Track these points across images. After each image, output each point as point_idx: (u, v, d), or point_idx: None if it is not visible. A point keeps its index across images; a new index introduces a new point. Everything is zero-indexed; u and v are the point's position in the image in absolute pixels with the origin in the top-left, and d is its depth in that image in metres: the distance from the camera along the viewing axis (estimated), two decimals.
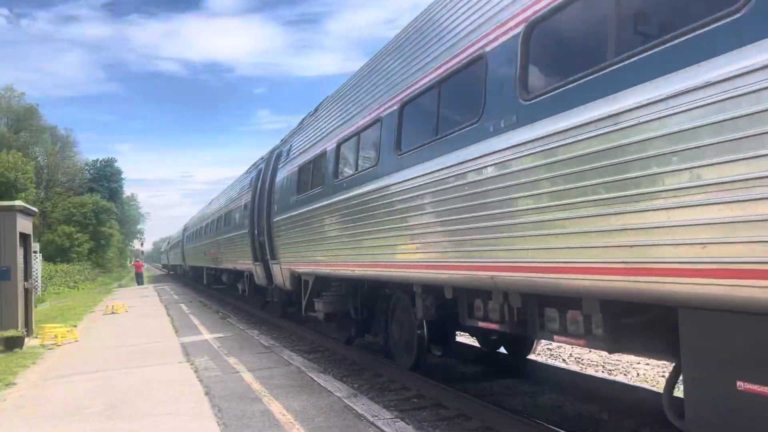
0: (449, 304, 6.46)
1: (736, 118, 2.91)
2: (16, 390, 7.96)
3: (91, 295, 32.43)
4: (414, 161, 6.23)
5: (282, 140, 14.51)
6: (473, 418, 6.26)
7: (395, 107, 6.83)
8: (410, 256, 6.44)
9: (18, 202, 13.24)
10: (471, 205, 5.14)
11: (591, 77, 3.87)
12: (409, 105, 6.62)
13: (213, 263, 23.56)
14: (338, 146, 8.81)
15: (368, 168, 7.53)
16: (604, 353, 8.73)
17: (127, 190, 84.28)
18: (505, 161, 4.65)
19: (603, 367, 8.76)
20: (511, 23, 4.72)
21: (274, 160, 13.62)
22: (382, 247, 7.07)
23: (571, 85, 4.04)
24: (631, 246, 3.54)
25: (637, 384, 7.56)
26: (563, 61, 4.48)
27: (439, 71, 5.88)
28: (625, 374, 8.30)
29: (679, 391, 4.06)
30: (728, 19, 2.99)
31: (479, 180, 5.02)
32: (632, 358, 8.72)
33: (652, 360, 8.19)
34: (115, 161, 68.61)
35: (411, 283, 6.93)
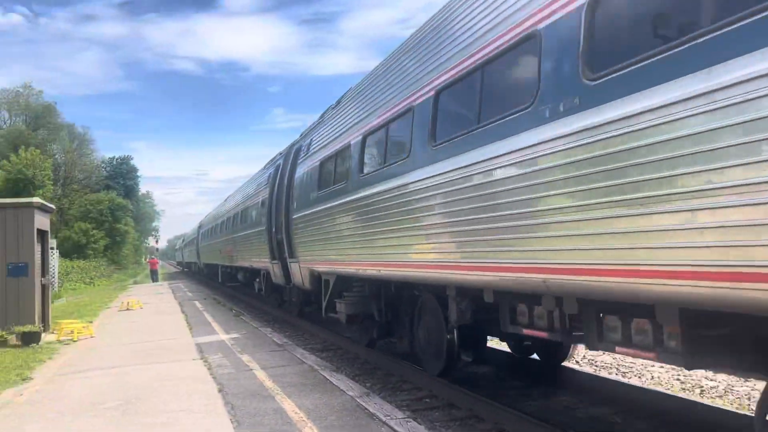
0: (487, 308, 6.07)
1: None
2: (33, 385, 8.06)
3: (106, 291, 32.75)
4: (451, 153, 5.75)
5: (301, 134, 14.06)
6: (486, 419, 6.23)
7: (430, 94, 6.36)
8: (444, 255, 6.01)
9: (36, 199, 13.43)
10: (520, 200, 4.62)
11: (678, 49, 3.35)
12: (445, 92, 6.14)
13: (228, 261, 23.50)
14: (364, 139, 8.35)
15: (398, 161, 7.08)
16: (618, 355, 8.67)
17: (143, 188, 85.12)
18: (566, 149, 4.11)
19: (617, 369, 8.69)
20: None
21: (293, 155, 13.19)
22: (412, 245, 6.67)
23: (650, 60, 3.51)
24: (733, 246, 3.03)
25: (651, 387, 7.51)
26: (641, 33, 3.87)
27: (483, 53, 5.33)
28: (639, 377, 8.24)
29: None
30: None
31: (531, 171, 4.49)
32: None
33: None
34: (131, 159, 69.59)
35: (444, 285, 6.52)
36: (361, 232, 8.27)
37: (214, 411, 6.29)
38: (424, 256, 6.46)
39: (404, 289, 8.34)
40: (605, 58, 3.94)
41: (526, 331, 5.40)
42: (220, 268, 28.03)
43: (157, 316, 16.99)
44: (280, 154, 15.55)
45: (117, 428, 5.86)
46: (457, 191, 5.61)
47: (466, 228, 5.47)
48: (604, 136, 3.77)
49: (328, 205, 9.57)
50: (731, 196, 2.97)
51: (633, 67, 3.64)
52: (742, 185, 2.93)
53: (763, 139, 2.82)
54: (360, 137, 8.47)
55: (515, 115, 4.77)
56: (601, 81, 3.88)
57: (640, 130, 3.50)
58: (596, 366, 8.96)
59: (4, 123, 53.12)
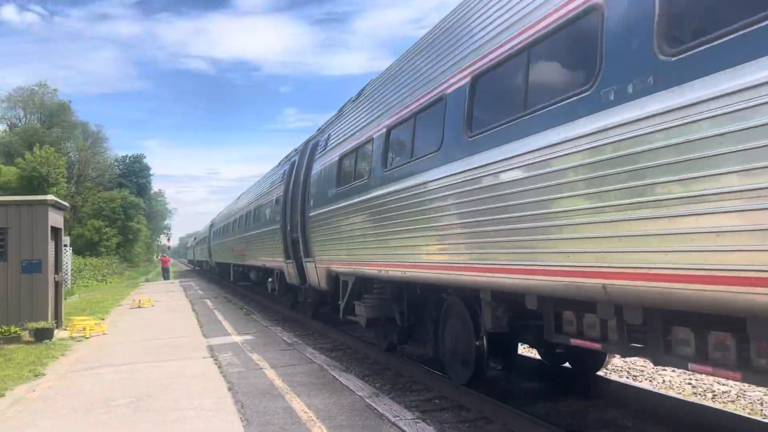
0: (527, 315, 5.65)
1: None
2: (45, 381, 8.14)
3: (118, 288, 32.98)
4: (490, 144, 5.30)
5: (318, 129, 13.55)
6: (495, 421, 6.22)
7: (465, 81, 5.90)
8: (478, 257, 5.57)
9: (50, 197, 13.56)
10: (574, 195, 4.20)
11: None
12: (483, 78, 5.68)
13: (240, 260, 23.37)
14: (388, 132, 7.93)
15: (427, 155, 6.60)
16: (628, 358, 8.59)
17: (155, 186, 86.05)
18: (636, 136, 3.64)
19: (628, 372, 8.64)
20: None
21: (309, 151, 12.67)
22: (442, 246, 6.27)
23: (753, 27, 3.01)
24: None
25: (662, 391, 7.45)
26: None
27: (529, 33, 4.86)
28: (650, 380, 8.18)
29: None
30: None
31: (590, 162, 4.04)
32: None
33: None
34: (144, 157, 69.87)
35: (478, 288, 6.00)
36: (384, 231, 7.82)
37: (224, 409, 6.32)
38: (454, 257, 6.05)
39: (430, 292, 7.86)
40: (688, 29, 3.53)
41: (574, 342, 4.90)
42: (232, 266, 28.08)
43: (169, 314, 17.10)
44: (296, 150, 15.17)
45: (128, 425, 5.91)
46: (497, 186, 5.16)
47: (504, 228, 5.07)
48: (688, 119, 3.31)
49: (348, 202, 9.19)
50: None
51: (730, 37, 3.14)
52: None
53: None
54: (384, 130, 8.07)
55: (570, 100, 4.33)
56: (683, 56, 3.42)
57: (737, 111, 3.03)
58: (606, 369, 8.90)
59: (20, 121, 53.70)
